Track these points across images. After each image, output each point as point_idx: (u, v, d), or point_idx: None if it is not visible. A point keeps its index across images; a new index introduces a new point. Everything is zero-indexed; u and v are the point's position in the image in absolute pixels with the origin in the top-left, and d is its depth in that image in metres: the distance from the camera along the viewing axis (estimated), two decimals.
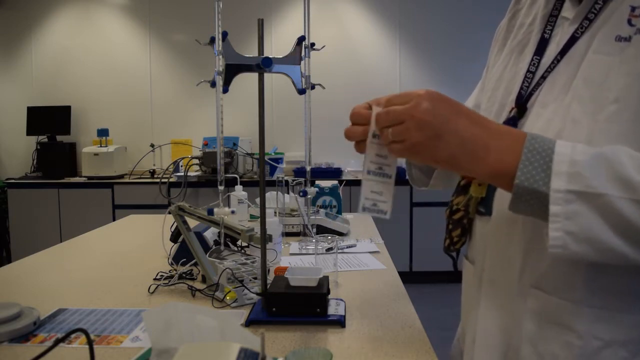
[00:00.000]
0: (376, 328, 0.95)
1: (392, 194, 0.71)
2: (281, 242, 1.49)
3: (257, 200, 1.70)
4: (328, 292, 1.00)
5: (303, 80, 1.05)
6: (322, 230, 1.75)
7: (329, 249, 1.38)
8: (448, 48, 4.48)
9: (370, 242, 1.69)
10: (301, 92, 1.06)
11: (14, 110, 4.57)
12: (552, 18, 0.73)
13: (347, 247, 1.61)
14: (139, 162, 4.33)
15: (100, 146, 4.16)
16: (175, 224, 1.25)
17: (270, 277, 1.08)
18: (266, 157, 4.05)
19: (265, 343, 0.58)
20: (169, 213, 1.21)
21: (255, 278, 1.13)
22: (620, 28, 0.63)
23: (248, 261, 1.18)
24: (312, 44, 1.07)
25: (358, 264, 1.43)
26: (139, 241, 1.76)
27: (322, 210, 1.87)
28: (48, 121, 4.42)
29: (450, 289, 3.63)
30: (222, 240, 1.17)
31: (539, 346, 0.67)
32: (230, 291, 1.09)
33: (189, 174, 3.97)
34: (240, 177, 3.17)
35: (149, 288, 1.19)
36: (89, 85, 4.56)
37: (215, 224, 1.15)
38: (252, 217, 1.93)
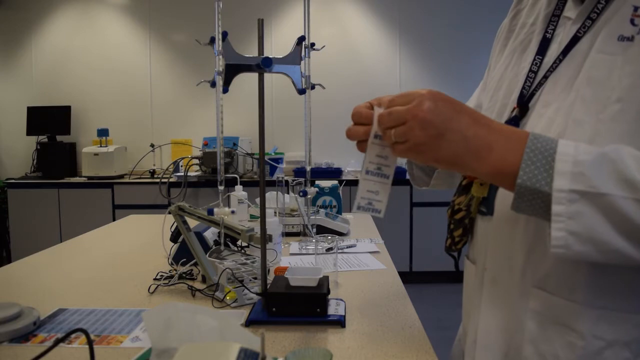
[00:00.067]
0: (376, 328, 0.95)
1: (388, 194, 0.72)
2: (281, 242, 1.49)
3: (257, 200, 1.70)
4: (328, 292, 0.99)
5: (303, 80, 1.05)
6: (322, 230, 1.75)
7: (329, 249, 1.38)
8: (448, 48, 4.48)
9: (370, 242, 1.69)
10: (301, 92, 1.06)
11: (14, 110, 4.57)
12: (554, 18, 0.73)
13: (347, 247, 1.61)
14: (139, 162, 4.33)
15: (100, 146, 4.15)
16: (175, 224, 1.25)
17: (270, 277, 1.08)
18: (266, 157, 4.05)
19: (265, 343, 0.58)
20: (169, 213, 1.21)
21: (255, 278, 1.13)
22: (623, 28, 0.63)
23: (248, 261, 1.17)
24: (312, 44, 1.08)
25: (358, 264, 1.43)
26: (139, 241, 1.76)
27: (322, 210, 1.87)
28: (48, 121, 4.41)
29: (450, 289, 3.63)
30: (222, 240, 1.17)
31: (540, 346, 0.67)
32: (230, 291, 1.09)
33: (189, 174, 3.96)
34: (240, 177, 3.17)
35: (149, 288, 1.19)
36: (89, 85, 4.56)
37: (215, 224, 1.15)
38: (252, 217, 1.93)
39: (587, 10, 0.68)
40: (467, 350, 0.79)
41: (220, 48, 0.99)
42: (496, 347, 0.72)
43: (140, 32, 4.55)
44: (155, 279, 1.25)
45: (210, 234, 1.44)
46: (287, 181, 1.88)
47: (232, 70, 0.99)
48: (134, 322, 0.99)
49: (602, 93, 0.62)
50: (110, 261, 1.50)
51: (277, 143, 4.44)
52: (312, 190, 1.24)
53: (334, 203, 2.05)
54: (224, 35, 1.00)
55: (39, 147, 4.38)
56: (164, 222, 1.36)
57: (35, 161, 4.46)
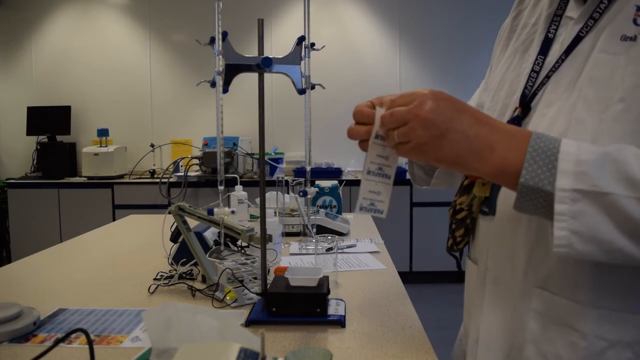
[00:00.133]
0: (376, 328, 0.95)
1: (390, 194, 0.72)
2: (281, 242, 1.49)
3: (257, 200, 1.70)
4: (328, 292, 0.99)
5: (303, 80, 1.05)
6: (322, 230, 1.75)
7: (329, 249, 1.38)
8: (448, 48, 4.48)
9: (370, 242, 1.69)
10: (301, 92, 1.06)
11: (14, 110, 4.57)
12: (556, 18, 0.73)
13: (347, 247, 1.61)
14: (139, 162, 4.33)
15: (100, 146, 4.15)
16: (175, 224, 1.25)
17: (270, 277, 1.08)
18: (266, 157, 4.05)
19: (265, 343, 0.58)
20: (169, 213, 1.21)
21: (255, 278, 1.13)
22: (626, 27, 0.62)
23: (248, 261, 1.17)
24: (312, 44, 1.08)
25: (358, 264, 1.43)
26: (139, 241, 1.76)
27: (322, 210, 1.87)
28: (48, 121, 4.41)
29: (450, 289, 3.63)
30: (222, 240, 1.17)
31: (543, 346, 0.67)
32: (230, 291, 1.09)
33: (189, 174, 3.96)
34: (240, 177, 3.17)
35: (149, 288, 1.19)
36: (89, 85, 4.56)
37: (215, 224, 1.15)
38: (252, 217, 1.93)
39: (589, 10, 0.68)
40: (469, 350, 0.79)
41: (220, 48, 0.99)
42: (498, 347, 0.72)
43: (140, 32, 4.55)
44: (155, 279, 1.25)
45: (210, 234, 1.44)
46: (287, 181, 1.88)
47: (232, 70, 0.99)
48: (134, 322, 0.99)
49: (604, 93, 0.62)
50: (110, 261, 1.50)
51: (277, 143, 4.44)
52: (312, 190, 1.24)
53: (334, 203, 2.05)
54: (224, 35, 1.00)
55: (39, 147, 4.38)
56: (164, 222, 1.36)
57: (35, 161, 4.46)
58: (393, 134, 0.64)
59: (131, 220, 2.22)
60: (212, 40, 1.01)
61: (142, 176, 4.21)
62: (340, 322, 0.95)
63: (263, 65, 0.95)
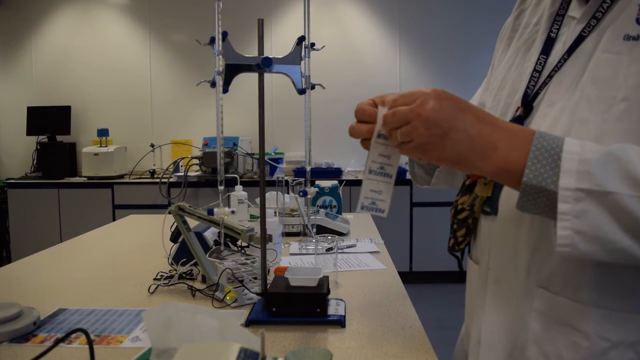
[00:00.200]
0: (376, 328, 0.95)
1: (392, 194, 0.72)
2: (281, 242, 1.49)
3: (257, 200, 1.70)
4: (328, 292, 0.99)
5: (303, 80, 1.05)
6: (322, 230, 1.75)
7: (329, 249, 1.38)
8: (448, 48, 4.48)
9: (370, 242, 1.69)
10: (301, 92, 1.06)
11: (14, 110, 4.57)
12: (558, 17, 0.73)
13: (347, 247, 1.61)
14: (139, 162, 4.33)
15: (100, 146, 4.15)
16: (175, 224, 1.25)
17: (270, 277, 1.08)
18: (266, 157, 4.05)
19: (265, 343, 0.58)
20: (169, 213, 1.21)
21: (255, 278, 1.13)
22: (629, 27, 0.62)
23: (248, 261, 1.17)
24: (312, 44, 1.08)
25: (358, 264, 1.43)
26: (139, 241, 1.76)
27: (322, 210, 1.87)
28: (48, 121, 4.41)
29: (450, 289, 3.63)
30: (222, 240, 1.17)
31: (545, 346, 0.66)
32: (230, 291, 1.09)
33: (189, 174, 3.96)
34: (240, 177, 3.17)
35: (149, 288, 1.19)
36: (89, 85, 4.56)
37: (215, 224, 1.15)
38: (252, 217, 1.93)
39: (592, 9, 0.67)
40: (471, 351, 0.79)
41: (220, 48, 0.99)
42: (500, 347, 0.72)
43: (140, 32, 4.55)
44: (155, 279, 1.25)
45: (210, 234, 1.44)
46: (287, 181, 1.88)
47: (232, 70, 0.99)
48: (134, 322, 0.99)
49: (607, 92, 0.62)
50: (110, 261, 1.50)
51: (277, 143, 4.44)
52: (312, 190, 1.24)
53: (334, 203, 2.05)
54: (224, 35, 1.00)
55: (39, 147, 4.38)
56: (164, 222, 1.36)
57: (35, 161, 4.46)
58: (396, 133, 0.64)
59: (131, 220, 2.22)
60: (212, 40, 1.01)
61: (142, 176, 4.21)
62: (340, 322, 0.95)
63: (263, 65, 0.95)
